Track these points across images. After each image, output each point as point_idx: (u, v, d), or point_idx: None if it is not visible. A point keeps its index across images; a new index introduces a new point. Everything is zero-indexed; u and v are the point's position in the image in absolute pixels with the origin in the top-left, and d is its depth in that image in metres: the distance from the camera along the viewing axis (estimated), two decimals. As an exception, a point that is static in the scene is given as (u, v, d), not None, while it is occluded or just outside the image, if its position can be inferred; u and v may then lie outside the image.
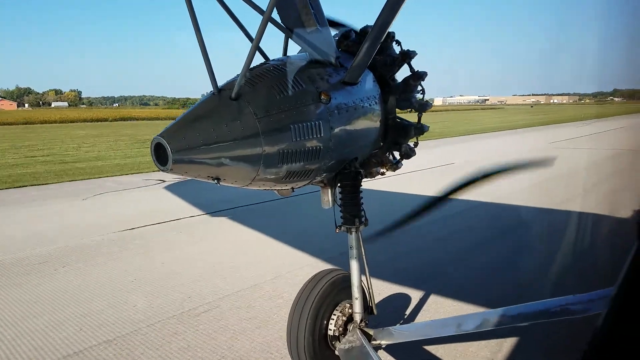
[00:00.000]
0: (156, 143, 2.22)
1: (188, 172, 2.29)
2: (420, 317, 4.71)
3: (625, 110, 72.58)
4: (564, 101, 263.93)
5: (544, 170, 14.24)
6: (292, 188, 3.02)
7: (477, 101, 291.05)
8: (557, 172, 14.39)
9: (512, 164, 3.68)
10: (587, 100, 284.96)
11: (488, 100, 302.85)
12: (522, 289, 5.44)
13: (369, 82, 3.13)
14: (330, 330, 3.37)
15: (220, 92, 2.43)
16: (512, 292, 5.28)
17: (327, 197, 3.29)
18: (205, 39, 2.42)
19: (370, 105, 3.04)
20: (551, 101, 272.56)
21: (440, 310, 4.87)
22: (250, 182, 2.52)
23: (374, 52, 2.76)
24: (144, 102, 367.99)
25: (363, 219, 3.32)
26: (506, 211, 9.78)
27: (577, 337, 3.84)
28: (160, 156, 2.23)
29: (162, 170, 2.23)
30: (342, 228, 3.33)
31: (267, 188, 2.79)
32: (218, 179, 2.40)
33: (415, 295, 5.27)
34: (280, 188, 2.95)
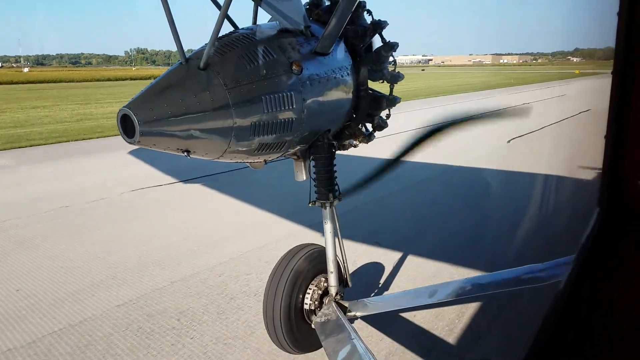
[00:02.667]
0: (122, 114, 2.20)
1: (156, 145, 2.29)
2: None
3: (561, 75, 69.36)
4: (514, 61, 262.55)
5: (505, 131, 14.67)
6: (265, 160, 3.06)
7: (420, 61, 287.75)
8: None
9: (489, 112, 3.73)
10: (540, 61, 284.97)
11: (432, 60, 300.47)
12: (488, 257, 5.66)
13: (340, 52, 3.17)
14: (306, 304, 3.49)
15: (188, 62, 2.40)
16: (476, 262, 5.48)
17: (301, 170, 3.37)
18: (171, 4, 2.37)
19: (342, 76, 3.09)
20: (500, 61, 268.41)
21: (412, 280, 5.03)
22: (222, 155, 2.54)
23: (345, 22, 2.82)
24: (74, 60, 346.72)
25: (337, 194, 3.32)
26: (469, 174, 10.05)
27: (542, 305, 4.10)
28: (127, 128, 2.21)
29: (129, 143, 2.21)
30: (317, 203, 3.33)
31: (239, 160, 2.82)
32: (188, 152, 2.40)
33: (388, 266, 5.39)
34: (252, 160, 2.98)
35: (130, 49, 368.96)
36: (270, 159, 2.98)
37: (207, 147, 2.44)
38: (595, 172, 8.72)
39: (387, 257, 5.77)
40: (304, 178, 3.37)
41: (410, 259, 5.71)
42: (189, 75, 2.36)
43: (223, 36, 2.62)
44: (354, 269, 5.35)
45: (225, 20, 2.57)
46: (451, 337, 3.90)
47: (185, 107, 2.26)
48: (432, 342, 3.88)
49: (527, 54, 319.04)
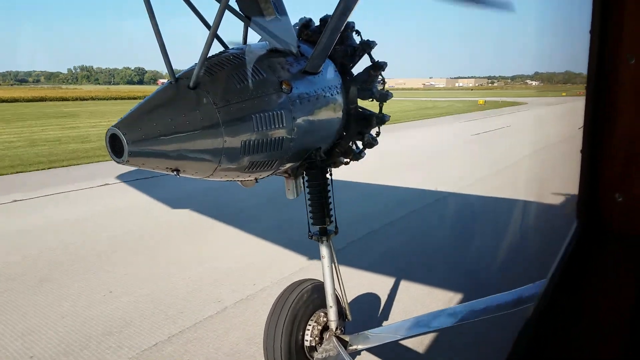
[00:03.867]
0: (111, 134, 2.21)
1: (145, 164, 2.30)
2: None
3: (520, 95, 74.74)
4: (470, 84, 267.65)
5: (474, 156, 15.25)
6: (256, 179, 3.10)
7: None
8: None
9: None
10: (496, 84, 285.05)
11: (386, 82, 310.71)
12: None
13: (330, 72, 3.25)
14: (307, 340, 3.47)
15: (177, 81, 2.44)
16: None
17: (292, 188, 3.43)
18: (160, 24, 2.38)
19: (332, 95, 3.17)
20: (457, 85, 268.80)
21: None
22: (212, 174, 2.57)
23: (334, 42, 2.90)
24: (19, 78, 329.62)
25: (334, 228, 3.42)
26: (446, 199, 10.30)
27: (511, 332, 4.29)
28: (116, 147, 2.21)
29: (118, 162, 2.23)
30: (313, 237, 3.39)
31: (230, 179, 2.85)
32: (177, 171, 2.42)
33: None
34: (243, 179, 3.02)
35: (74, 67, 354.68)
36: (261, 177, 3.03)
37: (197, 166, 2.47)
38: (572, 187, 9.23)
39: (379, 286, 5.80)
40: (295, 196, 3.43)
41: (402, 286, 5.78)
42: (178, 94, 2.39)
43: (213, 56, 2.67)
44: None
45: (215, 40, 2.60)
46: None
47: (175, 126, 2.29)
48: None
49: (485, 77, 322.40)
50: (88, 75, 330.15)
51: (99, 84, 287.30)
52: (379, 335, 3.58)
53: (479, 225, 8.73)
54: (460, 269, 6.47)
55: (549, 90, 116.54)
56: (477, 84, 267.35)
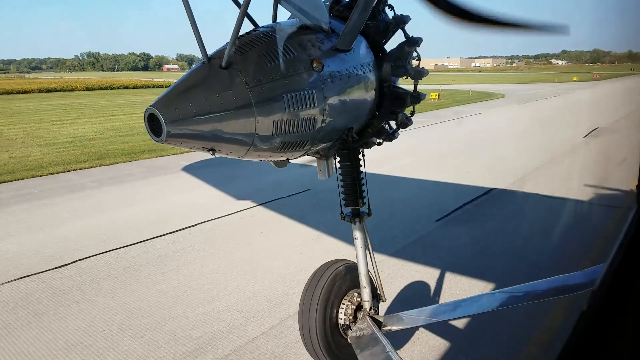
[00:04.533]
0: (149, 114, 2.25)
1: (183, 143, 2.35)
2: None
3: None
4: (488, 64, 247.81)
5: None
6: (288, 159, 3.11)
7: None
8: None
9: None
10: (515, 63, 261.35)
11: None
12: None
13: (362, 48, 3.19)
14: (341, 319, 3.46)
15: (210, 61, 2.46)
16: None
17: (324, 169, 3.42)
18: (191, 3, 2.40)
19: (364, 72, 3.12)
20: (473, 65, 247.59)
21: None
22: (245, 153, 2.61)
23: (366, 17, 2.85)
24: (34, 66, 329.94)
25: (367, 209, 3.40)
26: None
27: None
28: (154, 127, 2.27)
29: (157, 141, 2.28)
30: (346, 218, 3.37)
31: (263, 159, 2.86)
32: (213, 150, 2.47)
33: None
34: (275, 159, 3.03)
35: (81, 53, 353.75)
36: (293, 157, 3.03)
37: (231, 146, 2.49)
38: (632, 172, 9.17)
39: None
40: (327, 177, 3.43)
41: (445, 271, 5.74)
42: (211, 74, 2.42)
43: (243, 35, 2.66)
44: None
45: (246, 18, 2.64)
46: (484, 347, 3.99)
47: (209, 106, 2.32)
48: (461, 351, 3.96)
49: (503, 57, 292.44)
50: (94, 62, 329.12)
51: (103, 70, 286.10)
52: (413, 317, 3.58)
53: (536, 209, 8.74)
54: (517, 253, 6.43)
55: (572, 72, 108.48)
56: (495, 65, 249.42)
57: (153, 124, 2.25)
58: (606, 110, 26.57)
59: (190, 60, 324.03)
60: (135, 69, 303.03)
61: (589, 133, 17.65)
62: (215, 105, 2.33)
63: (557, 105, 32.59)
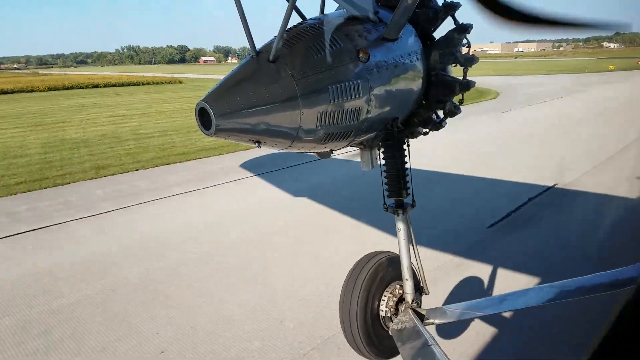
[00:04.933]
0: (200, 108, 2.36)
1: (231, 136, 2.44)
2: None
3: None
4: (532, 49, 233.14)
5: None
6: (331, 150, 3.13)
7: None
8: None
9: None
10: (563, 47, 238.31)
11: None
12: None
13: (410, 37, 3.17)
14: (382, 311, 3.47)
15: (258, 55, 2.53)
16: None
17: (367, 160, 3.42)
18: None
19: (411, 61, 3.11)
20: (515, 50, 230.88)
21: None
22: (290, 145, 2.66)
23: (415, 6, 2.81)
24: (80, 60, 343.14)
25: (411, 201, 3.37)
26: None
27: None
28: (204, 121, 2.37)
29: (207, 135, 2.38)
30: (389, 210, 3.35)
31: (307, 150, 2.92)
32: (259, 143, 2.54)
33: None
34: (319, 150, 3.06)
35: (121, 47, 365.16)
36: (337, 148, 3.05)
37: (276, 137, 2.55)
38: None
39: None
40: (370, 167, 3.43)
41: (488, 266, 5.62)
42: (259, 68, 2.48)
43: (291, 27, 2.72)
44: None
45: (294, 11, 2.67)
46: (526, 341, 3.91)
47: (256, 99, 2.39)
48: (505, 346, 3.89)
49: (549, 40, 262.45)
50: (133, 55, 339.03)
51: (140, 64, 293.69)
52: (457, 311, 3.53)
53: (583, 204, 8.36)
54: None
55: (623, 57, 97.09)
56: (540, 49, 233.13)
57: (203, 117, 2.36)
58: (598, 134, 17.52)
59: (226, 52, 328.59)
60: (172, 61, 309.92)
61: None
62: (262, 98, 2.40)
63: (542, 115, 23.29)
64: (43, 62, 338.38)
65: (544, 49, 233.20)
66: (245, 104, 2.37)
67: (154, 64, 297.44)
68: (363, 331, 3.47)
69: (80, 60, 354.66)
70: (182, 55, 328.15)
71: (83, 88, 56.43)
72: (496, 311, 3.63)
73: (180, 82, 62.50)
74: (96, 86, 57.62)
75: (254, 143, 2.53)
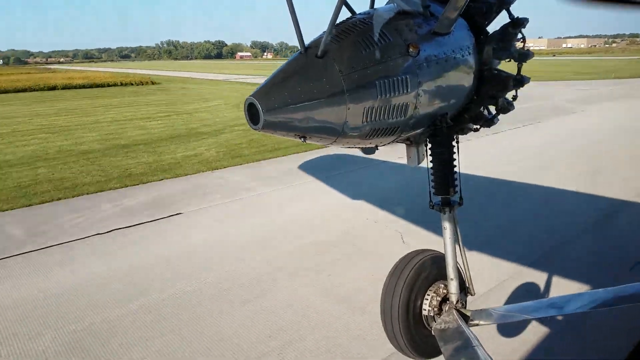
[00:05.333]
0: (249, 103, 2.44)
1: (277, 131, 2.50)
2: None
3: None
4: (582, 45, 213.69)
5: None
6: (377, 146, 3.15)
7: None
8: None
9: None
10: (615, 44, 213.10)
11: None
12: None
13: (461, 31, 3.14)
14: (425, 310, 3.42)
15: (307, 51, 2.57)
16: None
17: (414, 155, 3.41)
18: None
19: (462, 56, 3.08)
20: (563, 46, 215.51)
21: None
22: (335, 140, 2.68)
23: (467, 0, 2.76)
24: (125, 54, 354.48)
25: (458, 199, 3.32)
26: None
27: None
28: (253, 115, 2.44)
29: (254, 129, 2.45)
30: (435, 207, 3.32)
31: (351, 146, 2.93)
32: (304, 137, 2.58)
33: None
34: (364, 146, 3.09)
35: (161, 42, 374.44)
36: (382, 144, 3.06)
37: (322, 132, 2.59)
38: None
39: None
40: (416, 164, 3.42)
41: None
42: (307, 64, 2.52)
43: (340, 23, 2.73)
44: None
45: (343, 6, 2.69)
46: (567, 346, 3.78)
47: (303, 95, 2.44)
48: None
49: (602, 36, 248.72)
50: (171, 50, 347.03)
51: (177, 59, 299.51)
52: (503, 313, 3.46)
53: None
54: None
55: None
56: (590, 45, 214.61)
57: (252, 112, 2.43)
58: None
59: (264, 47, 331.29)
60: (208, 56, 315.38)
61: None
62: (308, 93, 2.45)
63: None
64: (88, 56, 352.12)
65: (594, 45, 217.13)
66: (293, 100, 2.42)
67: (190, 59, 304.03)
68: (405, 329, 3.46)
69: (125, 54, 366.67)
70: (219, 51, 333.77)
71: (36, 90, 43.96)
72: (544, 315, 3.54)
73: (153, 83, 50.57)
74: (53, 88, 45.41)
75: (300, 138, 2.57)
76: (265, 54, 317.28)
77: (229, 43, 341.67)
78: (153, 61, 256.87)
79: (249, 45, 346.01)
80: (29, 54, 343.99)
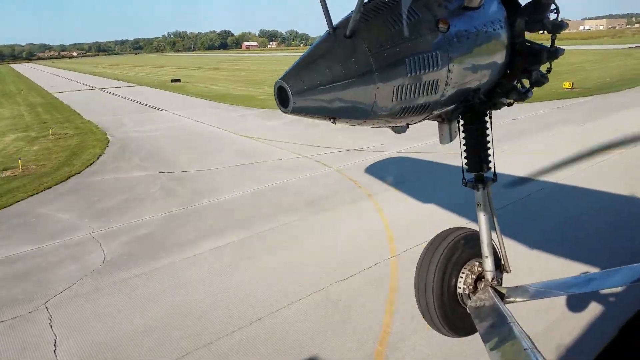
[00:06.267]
0: (279, 86, 2.44)
1: (307, 113, 2.51)
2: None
3: None
4: (601, 27, 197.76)
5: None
6: (407, 124, 3.12)
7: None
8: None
9: None
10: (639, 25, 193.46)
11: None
12: None
13: (492, 4, 3.13)
14: (460, 288, 3.44)
15: (335, 31, 2.56)
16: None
17: (446, 133, 3.39)
18: None
19: (494, 29, 3.06)
20: (580, 28, 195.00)
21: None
22: (365, 120, 2.70)
23: None
24: (139, 46, 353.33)
25: (491, 175, 3.30)
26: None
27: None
28: (282, 99, 2.45)
29: (284, 112, 2.45)
30: (468, 184, 3.30)
31: (381, 125, 2.93)
32: (334, 119, 2.58)
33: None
34: (394, 125, 3.06)
35: (168, 33, 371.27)
36: (413, 122, 3.06)
37: (351, 113, 2.60)
38: None
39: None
40: (449, 141, 3.40)
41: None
42: (335, 44, 2.52)
43: (369, 1, 2.72)
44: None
45: None
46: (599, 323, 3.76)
47: (332, 76, 2.44)
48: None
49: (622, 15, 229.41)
50: (174, 42, 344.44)
51: (179, 51, 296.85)
52: (540, 290, 3.46)
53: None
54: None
55: None
56: (609, 27, 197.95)
57: (281, 96, 2.44)
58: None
59: (272, 36, 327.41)
60: (211, 47, 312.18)
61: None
62: (337, 74, 2.45)
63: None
64: (102, 48, 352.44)
65: (614, 27, 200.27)
66: (322, 81, 2.43)
67: (192, 50, 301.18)
68: (439, 307, 3.48)
69: (139, 46, 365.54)
70: (223, 41, 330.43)
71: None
72: (582, 290, 3.53)
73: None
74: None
75: (330, 119, 2.59)
76: (271, 43, 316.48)
77: (236, 33, 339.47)
78: (153, 54, 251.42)
79: (257, 34, 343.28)
80: (46, 47, 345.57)
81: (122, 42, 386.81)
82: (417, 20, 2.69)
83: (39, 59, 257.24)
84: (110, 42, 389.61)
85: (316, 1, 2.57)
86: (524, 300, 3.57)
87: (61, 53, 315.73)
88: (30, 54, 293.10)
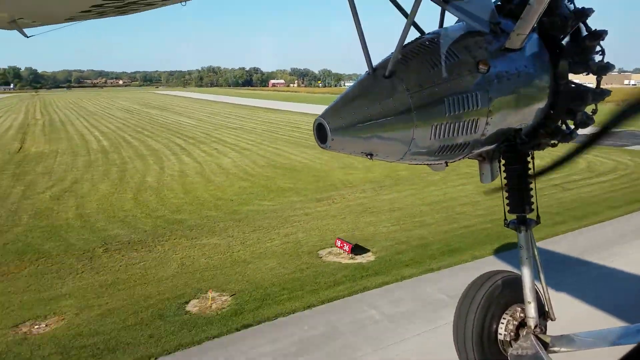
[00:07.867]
0: (318, 123, 2.56)
1: (344, 149, 2.60)
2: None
3: None
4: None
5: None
6: (446, 162, 3.18)
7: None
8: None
9: None
10: None
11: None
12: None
13: (534, 46, 3.19)
14: (501, 334, 3.35)
15: (374, 71, 2.69)
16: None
17: (487, 172, 3.40)
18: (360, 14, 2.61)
19: (536, 70, 3.11)
20: (625, 82, 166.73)
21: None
22: (402, 157, 2.75)
23: (539, 14, 2.81)
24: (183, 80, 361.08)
25: (535, 217, 3.31)
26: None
27: None
28: (321, 135, 2.55)
29: (322, 148, 2.57)
30: (510, 226, 3.29)
31: (419, 163, 2.99)
32: (371, 155, 2.66)
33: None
34: (432, 162, 3.11)
35: (202, 67, 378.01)
36: (452, 161, 3.09)
37: (389, 150, 2.68)
38: None
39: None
40: (491, 180, 3.42)
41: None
42: (374, 84, 2.64)
43: (409, 43, 2.82)
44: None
45: (412, 27, 2.75)
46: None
47: (370, 114, 2.55)
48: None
49: None
50: (202, 76, 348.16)
51: (201, 86, 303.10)
52: (586, 340, 3.33)
53: None
54: None
55: None
56: None
57: (320, 132, 2.57)
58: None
59: (302, 74, 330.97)
60: (234, 84, 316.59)
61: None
62: (375, 112, 2.56)
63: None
64: (147, 79, 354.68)
65: None
66: (360, 119, 2.53)
67: (214, 86, 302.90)
68: (479, 354, 3.37)
69: (186, 80, 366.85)
70: (248, 78, 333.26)
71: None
72: (632, 342, 3.36)
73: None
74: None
75: (367, 155, 2.67)
76: (294, 83, 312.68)
77: (265, 71, 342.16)
78: (173, 88, 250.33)
79: (288, 72, 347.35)
80: (100, 74, 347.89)
81: (173, 73, 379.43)
82: (457, 61, 2.78)
83: (82, 86, 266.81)
84: (152, 72, 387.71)
85: (355, 43, 2.75)
86: (569, 350, 3.43)
87: (107, 81, 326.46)
88: (79, 80, 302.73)
